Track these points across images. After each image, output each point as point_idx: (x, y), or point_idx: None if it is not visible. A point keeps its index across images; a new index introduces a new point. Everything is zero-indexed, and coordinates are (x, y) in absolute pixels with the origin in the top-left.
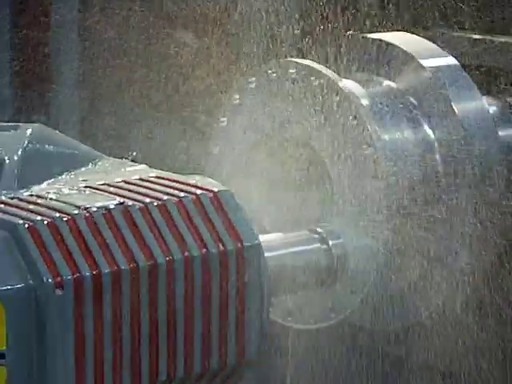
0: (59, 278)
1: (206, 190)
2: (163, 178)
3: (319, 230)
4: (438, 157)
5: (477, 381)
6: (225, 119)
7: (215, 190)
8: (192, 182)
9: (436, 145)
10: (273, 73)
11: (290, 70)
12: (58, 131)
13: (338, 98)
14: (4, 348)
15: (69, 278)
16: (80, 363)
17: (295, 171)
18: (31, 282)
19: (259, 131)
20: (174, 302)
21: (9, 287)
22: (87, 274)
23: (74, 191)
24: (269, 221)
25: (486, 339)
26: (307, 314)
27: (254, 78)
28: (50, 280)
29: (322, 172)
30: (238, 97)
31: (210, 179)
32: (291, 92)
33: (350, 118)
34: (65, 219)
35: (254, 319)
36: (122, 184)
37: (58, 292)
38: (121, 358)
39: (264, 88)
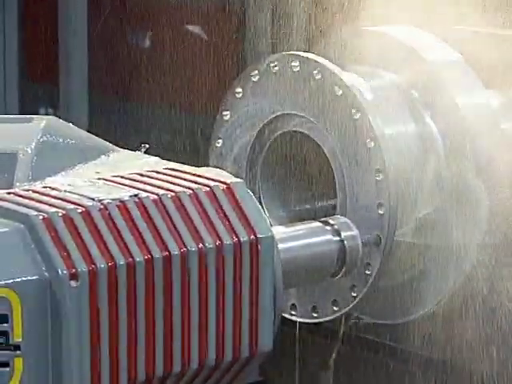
0: (74, 270)
1: (220, 181)
2: (176, 170)
3: (332, 221)
4: (440, 150)
5: None
6: (227, 113)
7: (228, 181)
8: (205, 173)
9: (438, 138)
10: (275, 66)
11: (293, 63)
12: (71, 124)
13: (340, 91)
14: (20, 339)
15: (84, 269)
16: (95, 354)
17: (297, 164)
18: (46, 273)
19: (261, 124)
20: (189, 293)
21: (24, 279)
22: (102, 265)
23: (88, 183)
24: (271, 215)
25: None
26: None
27: (256, 71)
28: (64, 272)
29: (325, 165)
30: (240, 90)
31: (223, 171)
32: (294, 85)
33: (353, 111)
34: (79, 211)
35: (268, 310)
36: (135, 176)
37: (73, 284)
38: (135, 348)
39: (266, 81)
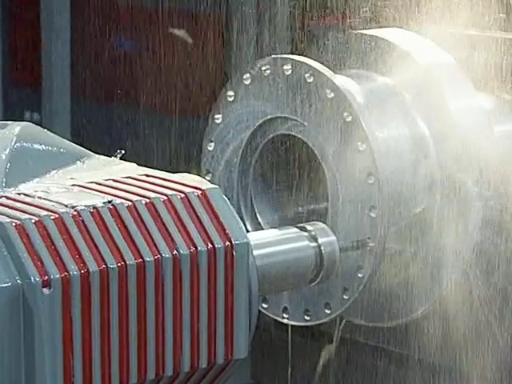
0: (47, 277)
1: (195, 188)
2: (151, 177)
3: (309, 227)
4: (432, 153)
5: None
6: (219, 116)
7: (203, 187)
8: (180, 180)
9: (430, 141)
10: (267, 69)
11: (285, 67)
12: (46, 129)
13: (332, 94)
14: None
15: (56, 276)
16: (68, 362)
17: (289, 167)
18: (19, 281)
19: (253, 127)
20: (163, 300)
21: None
22: (75, 272)
23: (62, 189)
24: (263, 218)
25: None
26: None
27: (248, 75)
28: (37, 279)
29: (317, 168)
30: (232, 93)
31: (199, 177)
32: (286, 88)
33: (345, 114)
34: (52, 218)
35: (243, 317)
36: (110, 182)
37: (46, 291)
38: (109, 356)
39: (258, 85)
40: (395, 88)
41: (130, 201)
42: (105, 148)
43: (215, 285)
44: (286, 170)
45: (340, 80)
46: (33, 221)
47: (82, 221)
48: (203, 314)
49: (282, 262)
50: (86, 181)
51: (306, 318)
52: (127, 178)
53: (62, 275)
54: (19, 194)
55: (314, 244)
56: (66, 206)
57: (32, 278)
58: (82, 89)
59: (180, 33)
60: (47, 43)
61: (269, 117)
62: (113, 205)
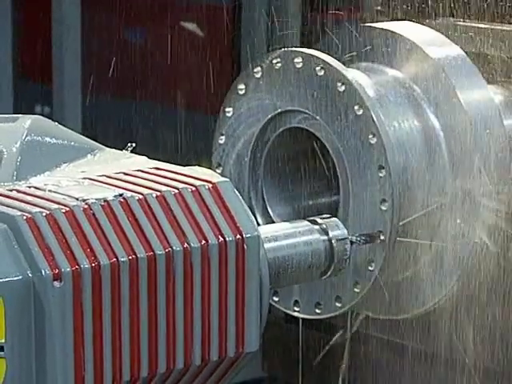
0: (58, 271)
1: (205, 181)
2: (162, 170)
3: (320, 220)
4: (443, 146)
5: None
6: (230, 109)
7: (214, 181)
8: (191, 173)
9: (441, 134)
10: (278, 62)
11: (296, 60)
12: (57, 123)
13: (343, 88)
14: (3, 340)
15: (67, 270)
16: (79, 355)
17: (300, 161)
18: (30, 274)
19: (264, 121)
20: (174, 293)
21: (7, 279)
22: (86, 266)
23: (73, 183)
24: (274, 212)
25: None
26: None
27: (258, 68)
28: (48, 272)
29: (328, 161)
30: (243, 87)
31: (210, 170)
32: (296, 81)
33: (356, 107)
34: (63, 211)
35: (254, 311)
36: (120, 175)
37: (57, 284)
38: (120, 350)
39: (269, 78)
40: (406, 81)
41: (141, 194)
42: (115, 141)
43: (226, 278)
44: (296, 164)
45: (351, 73)
46: (43, 214)
47: (93, 214)
48: (214, 307)
49: (292, 256)
50: (97, 174)
51: (317, 311)
52: (138, 171)
53: (73, 268)
54: (30, 187)
55: (325, 237)
56: (77, 199)
57: (43, 272)
58: (93, 82)
59: (191, 25)
60: (58, 36)
61: (279, 110)
62: (123, 198)
